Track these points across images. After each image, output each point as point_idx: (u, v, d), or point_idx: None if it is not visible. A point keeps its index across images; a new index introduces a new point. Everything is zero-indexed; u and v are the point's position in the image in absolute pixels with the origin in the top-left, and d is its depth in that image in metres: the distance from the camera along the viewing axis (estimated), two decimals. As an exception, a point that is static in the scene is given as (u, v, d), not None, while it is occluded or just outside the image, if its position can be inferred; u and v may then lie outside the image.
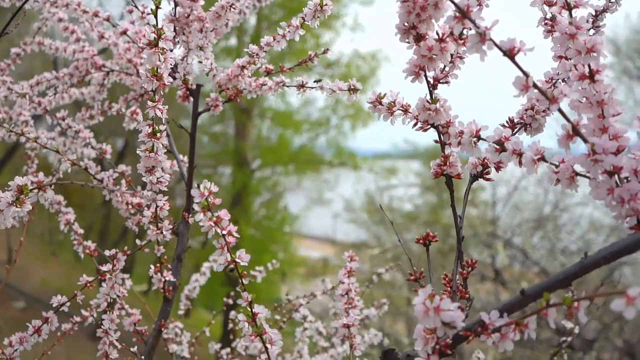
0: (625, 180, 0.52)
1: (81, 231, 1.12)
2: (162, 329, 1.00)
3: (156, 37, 0.70)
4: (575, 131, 0.52)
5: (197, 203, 0.61)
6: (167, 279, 0.98)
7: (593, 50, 0.53)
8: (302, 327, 1.30)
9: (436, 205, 9.44)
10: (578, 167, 0.56)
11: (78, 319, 1.14)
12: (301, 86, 0.94)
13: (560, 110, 0.52)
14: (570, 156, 0.56)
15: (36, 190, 0.66)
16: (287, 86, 0.97)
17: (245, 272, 0.67)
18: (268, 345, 0.65)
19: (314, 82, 0.93)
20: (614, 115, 0.54)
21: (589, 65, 0.54)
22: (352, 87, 0.83)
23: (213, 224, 0.62)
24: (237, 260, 0.63)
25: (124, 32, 0.99)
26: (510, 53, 0.51)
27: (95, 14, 1.12)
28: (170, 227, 0.92)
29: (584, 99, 0.55)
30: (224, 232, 0.62)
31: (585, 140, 0.52)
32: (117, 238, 9.14)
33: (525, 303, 0.52)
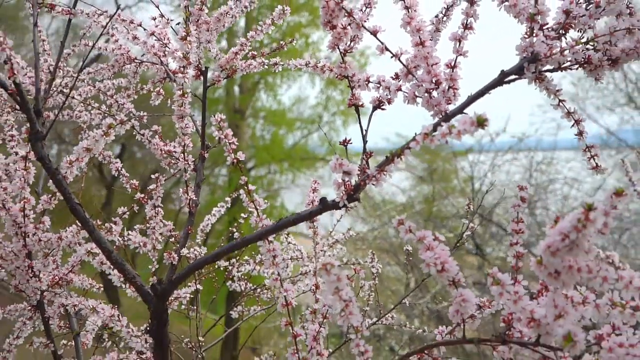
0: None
1: (127, 175, 1.60)
2: (189, 233, 1.48)
3: (186, 33, 1.18)
4: (409, 72, 1.00)
5: (213, 125, 1.10)
6: (191, 197, 1.46)
7: (420, 30, 1.01)
8: (287, 243, 1.78)
9: (429, 197, 9.92)
10: (417, 92, 1.04)
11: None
12: (275, 64, 1.44)
13: (401, 62, 1.00)
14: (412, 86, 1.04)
15: (119, 125, 1.15)
16: (267, 65, 1.46)
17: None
18: (257, 207, 1.13)
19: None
20: (433, 65, 1.03)
21: (419, 37, 1.02)
22: (307, 62, 1.31)
23: (223, 137, 1.10)
24: (238, 157, 1.12)
25: (152, 33, 1.47)
26: (374, 33, 1.00)
27: (131, 22, 1.60)
28: (193, 159, 1.41)
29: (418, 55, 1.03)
30: (230, 141, 1.10)
31: (413, 75, 1.00)
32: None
33: (392, 160, 1.00)
